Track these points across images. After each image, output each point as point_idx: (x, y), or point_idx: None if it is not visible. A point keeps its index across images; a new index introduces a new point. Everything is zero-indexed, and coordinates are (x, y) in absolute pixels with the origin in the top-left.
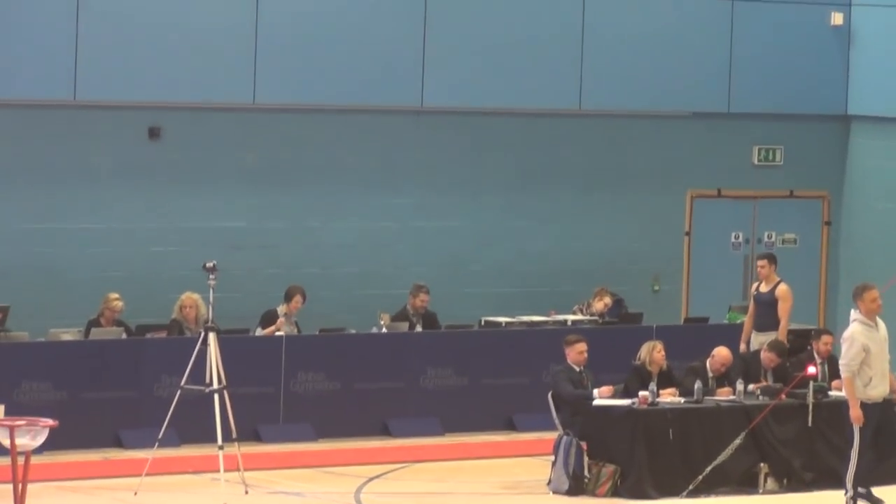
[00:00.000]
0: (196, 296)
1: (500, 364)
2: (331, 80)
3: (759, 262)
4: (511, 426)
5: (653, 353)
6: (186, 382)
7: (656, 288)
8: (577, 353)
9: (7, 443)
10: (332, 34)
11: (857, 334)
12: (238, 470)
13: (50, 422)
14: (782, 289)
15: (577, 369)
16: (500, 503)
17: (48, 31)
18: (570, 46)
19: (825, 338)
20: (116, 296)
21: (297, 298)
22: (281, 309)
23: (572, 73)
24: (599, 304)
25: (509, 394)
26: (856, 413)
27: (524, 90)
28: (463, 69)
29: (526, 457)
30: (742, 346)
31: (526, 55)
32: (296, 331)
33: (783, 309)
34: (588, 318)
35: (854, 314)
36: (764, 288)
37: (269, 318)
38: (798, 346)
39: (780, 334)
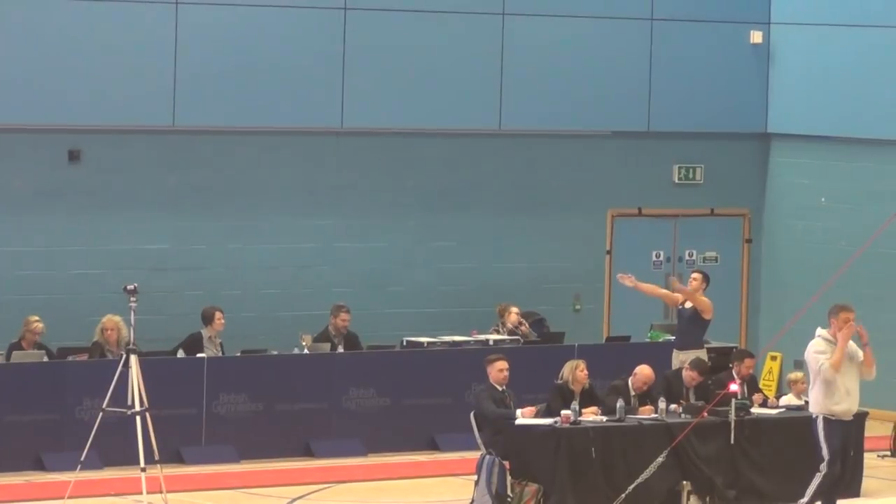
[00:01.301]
0: (118, 318)
1: (422, 384)
2: (250, 103)
3: (693, 275)
4: (434, 446)
5: (575, 371)
6: (108, 405)
7: (577, 307)
8: (497, 372)
9: None
10: (251, 56)
11: (820, 344)
12: (161, 492)
13: None
14: (702, 300)
15: (500, 388)
16: None
17: None
18: (489, 66)
19: (748, 361)
20: (37, 318)
21: (219, 316)
22: (205, 332)
23: (492, 93)
24: (512, 317)
25: (432, 414)
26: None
27: (444, 111)
28: (382, 90)
29: (449, 476)
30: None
31: (445, 76)
32: (220, 352)
33: (698, 304)
34: (509, 336)
35: (820, 331)
36: (689, 303)
37: (193, 343)
38: (719, 365)
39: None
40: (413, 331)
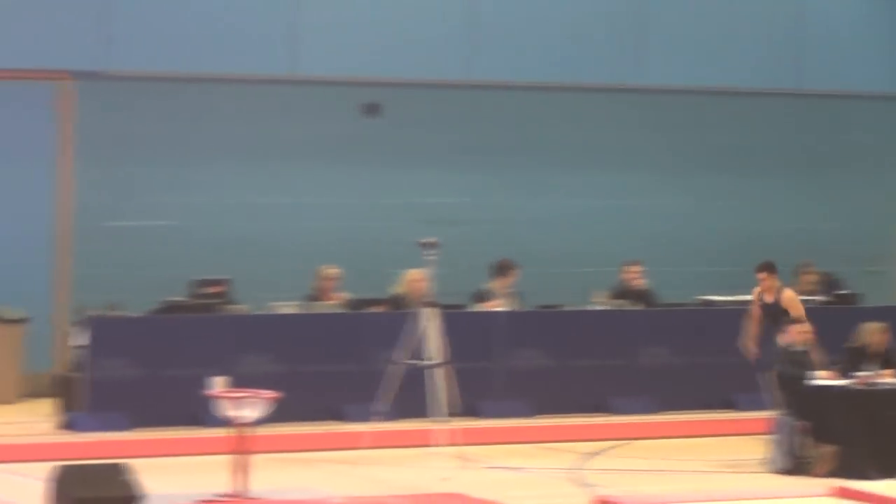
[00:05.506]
0: (423, 271)
1: (716, 343)
2: (546, 58)
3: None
4: (730, 405)
5: (875, 334)
6: (405, 357)
7: (874, 269)
8: (797, 333)
9: (231, 414)
10: (549, 12)
11: None
12: (456, 444)
13: (272, 394)
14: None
15: (799, 349)
16: (719, 482)
17: (268, 5)
18: (789, 23)
19: None
20: (330, 266)
21: (514, 272)
22: (494, 285)
23: (791, 51)
24: (809, 279)
25: (728, 372)
26: None
27: (741, 69)
28: (681, 48)
29: (745, 436)
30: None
31: (745, 34)
32: (516, 306)
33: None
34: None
35: None
36: None
37: (481, 297)
38: None
39: None
40: (707, 289)
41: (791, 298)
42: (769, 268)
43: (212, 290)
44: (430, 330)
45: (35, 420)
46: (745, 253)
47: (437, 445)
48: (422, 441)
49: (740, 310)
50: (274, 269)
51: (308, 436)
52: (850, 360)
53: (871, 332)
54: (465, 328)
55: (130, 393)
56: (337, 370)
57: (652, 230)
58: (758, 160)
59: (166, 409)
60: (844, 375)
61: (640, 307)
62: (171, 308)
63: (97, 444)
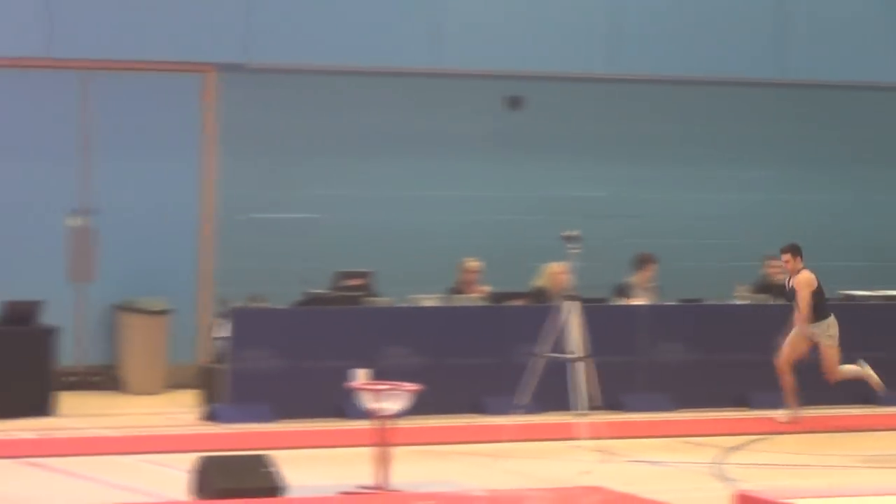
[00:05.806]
0: (565, 264)
1: (857, 338)
2: (688, 52)
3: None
4: (870, 400)
5: None
6: (547, 350)
7: None
8: None
9: (373, 407)
10: (691, 5)
11: None
12: (597, 438)
13: (414, 386)
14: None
15: None
16: (860, 476)
17: None
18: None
19: None
20: (472, 259)
21: (653, 266)
22: (635, 278)
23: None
24: None
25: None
26: None
27: (885, 62)
28: (824, 41)
29: (886, 431)
30: None
31: (883, 25)
32: (656, 299)
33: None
34: None
35: None
36: None
37: (623, 290)
38: None
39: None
40: (849, 284)
41: (802, 281)
42: (793, 250)
43: (354, 282)
44: (572, 323)
45: (179, 411)
46: (888, 248)
47: (578, 439)
48: (563, 434)
49: (881, 305)
50: (416, 262)
51: (449, 428)
52: None
53: None
54: (606, 322)
55: (273, 384)
56: (478, 363)
57: (794, 224)
58: None
59: (308, 401)
60: None
61: (781, 302)
62: (314, 300)
63: (240, 436)
